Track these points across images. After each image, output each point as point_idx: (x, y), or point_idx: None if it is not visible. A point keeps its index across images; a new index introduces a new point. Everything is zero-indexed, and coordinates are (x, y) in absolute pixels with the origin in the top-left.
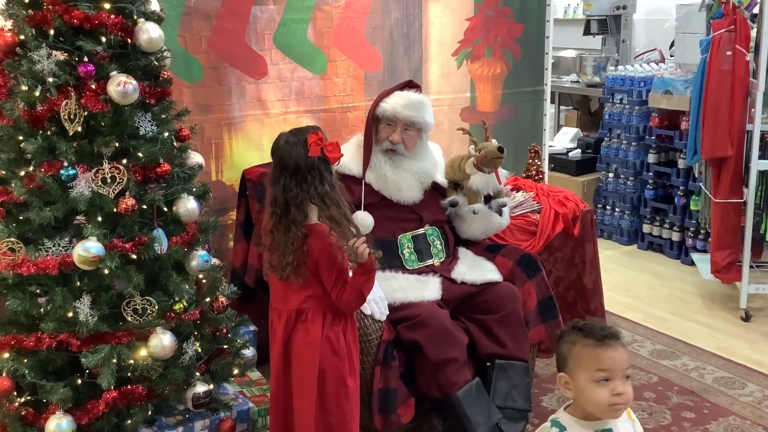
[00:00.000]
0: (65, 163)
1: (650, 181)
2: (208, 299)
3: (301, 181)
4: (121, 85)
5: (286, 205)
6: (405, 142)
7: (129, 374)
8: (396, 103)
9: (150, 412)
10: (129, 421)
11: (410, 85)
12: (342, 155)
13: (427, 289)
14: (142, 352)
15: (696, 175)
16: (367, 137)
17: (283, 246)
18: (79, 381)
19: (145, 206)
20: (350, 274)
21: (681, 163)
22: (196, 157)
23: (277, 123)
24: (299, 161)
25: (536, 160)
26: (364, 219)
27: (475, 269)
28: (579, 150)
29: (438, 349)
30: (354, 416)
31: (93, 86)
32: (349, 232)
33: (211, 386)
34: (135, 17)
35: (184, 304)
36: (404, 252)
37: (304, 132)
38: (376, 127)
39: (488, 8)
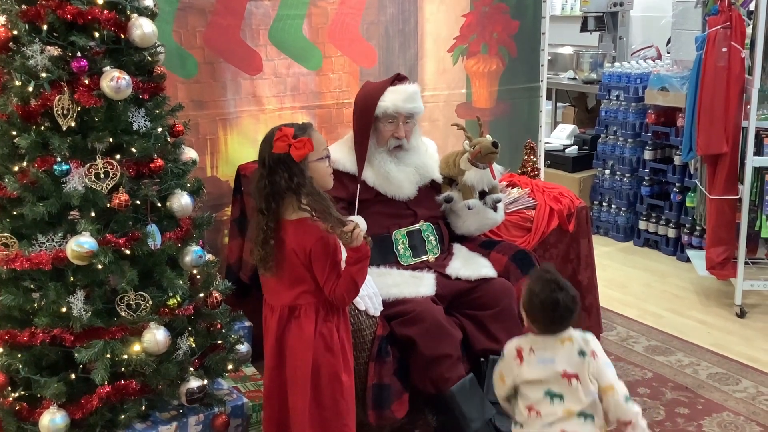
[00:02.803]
0: (58, 159)
1: (646, 178)
2: (202, 295)
3: (268, 174)
4: (115, 81)
5: (259, 198)
6: (406, 135)
7: (123, 369)
8: (395, 98)
9: (144, 407)
10: (123, 416)
11: (399, 78)
12: (307, 152)
13: (422, 285)
14: (136, 348)
15: (692, 172)
16: (363, 136)
17: (255, 238)
18: (73, 376)
19: (138, 201)
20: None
21: (677, 160)
22: (189, 153)
23: (272, 119)
24: (264, 155)
25: (531, 157)
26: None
27: (469, 265)
28: (575, 147)
29: (432, 344)
30: (350, 411)
31: (86, 81)
32: (334, 221)
33: (205, 381)
34: (128, 12)
35: (178, 299)
36: (399, 248)
37: (278, 128)
38: (375, 126)
39: (484, 5)
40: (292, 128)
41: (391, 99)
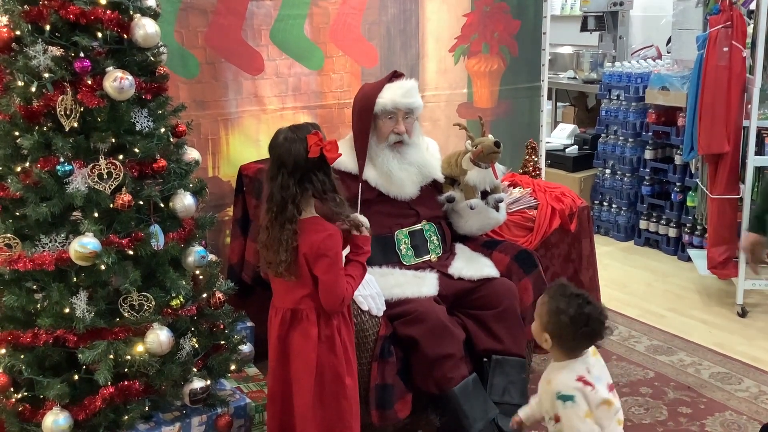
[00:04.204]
0: (61, 159)
1: (647, 178)
2: (204, 295)
3: (300, 179)
4: (118, 81)
5: (283, 202)
6: (407, 130)
7: (126, 370)
8: (393, 94)
9: (147, 408)
10: (126, 417)
11: (395, 75)
12: (340, 155)
13: (424, 285)
14: (139, 348)
15: (693, 171)
16: (363, 135)
17: (277, 243)
18: (76, 377)
19: (141, 202)
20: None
21: (678, 160)
22: (192, 153)
23: (274, 119)
24: (299, 159)
25: (533, 157)
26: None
27: (472, 265)
28: (576, 146)
29: (435, 344)
30: (354, 414)
31: (89, 82)
32: (349, 224)
33: (208, 382)
34: (131, 12)
35: (181, 299)
36: (401, 248)
37: (303, 129)
38: (375, 124)
39: (485, 4)
40: (318, 130)
41: (389, 95)
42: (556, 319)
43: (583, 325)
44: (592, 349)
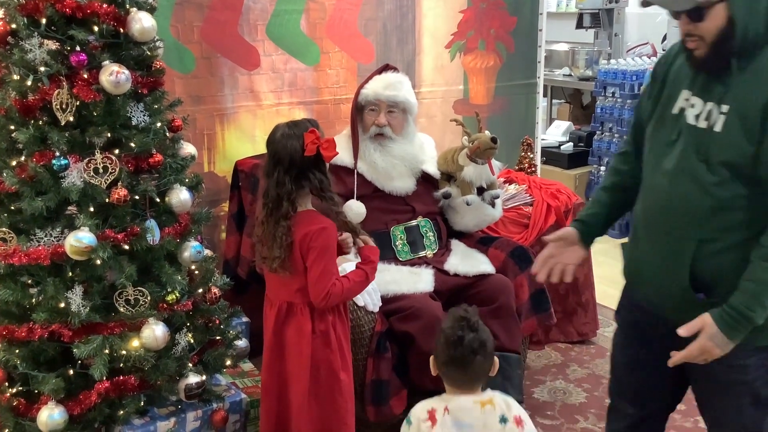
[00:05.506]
0: (57, 153)
1: None
2: (200, 290)
3: (295, 176)
4: (114, 75)
5: (278, 199)
6: (391, 125)
7: (121, 365)
8: (376, 86)
9: (142, 403)
10: (121, 412)
11: (387, 68)
12: (337, 153)
13: (420, 281)
14: (135, 343)
15: None
16: (353, 125)
17: (271, 239)
18: (71, 372)
19: (137, 197)
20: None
21: None
22: (188, 148)
23: (270, 114)
24: (295, 156)
25: (529, 153)
26: (356, 208)
27: (467, 261)
28: (571, 143)
29: (431, 340)
30: (348, 409)
31: (85, 76)
32: (340, 224)
33: (204, 377)
34: (127, 6)
35: (177, 295)
36: (397, 243)
37: (301, 126)
38: (361, 116)
39: (482, 1)
40: (315, 128)
41: (372, 87)
42: (437, 340)
43: (453, 347)
44: (486, 399)
